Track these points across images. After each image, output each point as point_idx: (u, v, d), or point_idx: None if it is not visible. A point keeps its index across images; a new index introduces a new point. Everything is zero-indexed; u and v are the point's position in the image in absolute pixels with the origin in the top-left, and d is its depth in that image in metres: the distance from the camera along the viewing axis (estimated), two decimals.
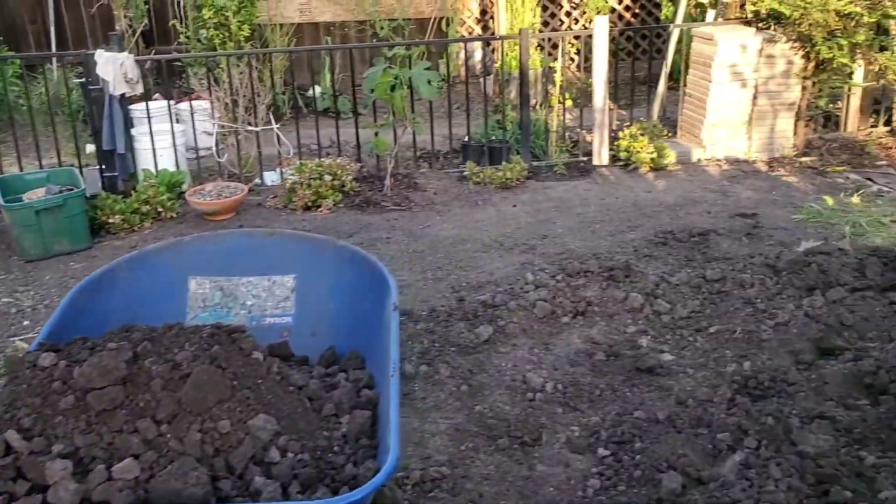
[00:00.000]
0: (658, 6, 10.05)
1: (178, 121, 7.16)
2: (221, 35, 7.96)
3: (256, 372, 2.28)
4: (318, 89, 8.64)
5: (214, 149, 6.54)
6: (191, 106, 6.61)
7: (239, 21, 7.91)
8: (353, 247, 3.32)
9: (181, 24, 8.53)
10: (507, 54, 8.31)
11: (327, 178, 5.81)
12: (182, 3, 8.78)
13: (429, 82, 5.63)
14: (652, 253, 4.89)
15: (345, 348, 3.06)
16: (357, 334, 3.01)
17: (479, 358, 3.84)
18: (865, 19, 6.27)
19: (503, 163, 6.36)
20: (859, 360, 3.44)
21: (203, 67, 7.21)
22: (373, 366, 2.85)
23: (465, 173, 6.35)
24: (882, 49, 6.46)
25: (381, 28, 9.24)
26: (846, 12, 6.18)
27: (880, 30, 6.60)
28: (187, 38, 8.38)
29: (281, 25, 9.05)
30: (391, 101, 5.93)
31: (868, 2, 6.30)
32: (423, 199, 5.97)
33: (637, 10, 10.61)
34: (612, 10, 10.47)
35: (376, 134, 6.21)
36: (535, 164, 6.65)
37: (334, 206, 5.80)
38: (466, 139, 6.86)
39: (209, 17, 7.87)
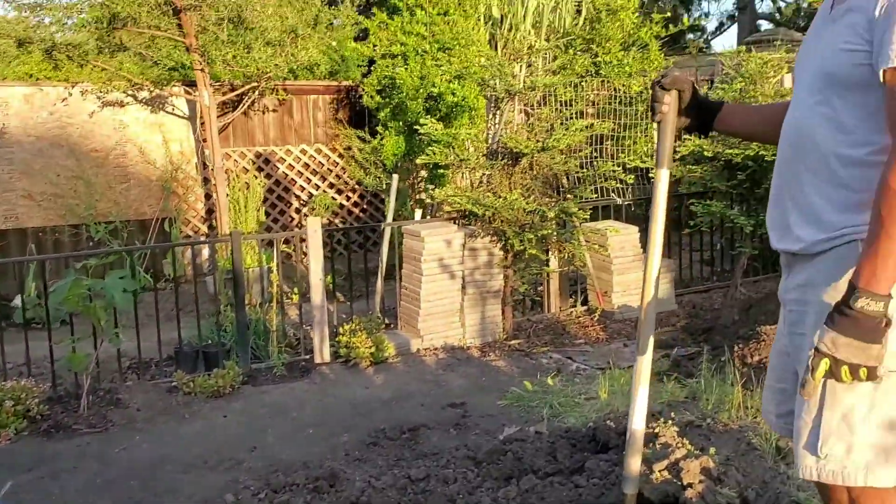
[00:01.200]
0: (383, 202, 10.64)
1: None
2: None
3: None
4: (20, 299, 7.94)
5: None
6: None
7: None
8: None
9: None
10: (228, 254, 8.23)
11: (8, 403, 5.18)
12: None
13: (124, 290, 5.35)
14: (362, 455, 4.78)
15: None
16: None
17: None
18: (549, 215, 7.02)
19: (216, 369, 6.09)
20: None
21: None
22: None
23: (175, 383, 5.98)
24: (568, 240, 7.22)
25: (97, 232, 8.85)
26: (531, 209, 6.88)
27: (566, 224, 7.41)
28: None
29: None
30: (87, 311, 5.54)
31: (551, 199, 7.09)
32: (124, 417, 5.48)
33: (365, 206, 11.16)
34: (341, 207, 10.94)
35: (73, 349, 5.72)
36: (254, 366, 6.44)
37: (16, 436, 5.14)
38: (180, 345, 6.53)
39: None
